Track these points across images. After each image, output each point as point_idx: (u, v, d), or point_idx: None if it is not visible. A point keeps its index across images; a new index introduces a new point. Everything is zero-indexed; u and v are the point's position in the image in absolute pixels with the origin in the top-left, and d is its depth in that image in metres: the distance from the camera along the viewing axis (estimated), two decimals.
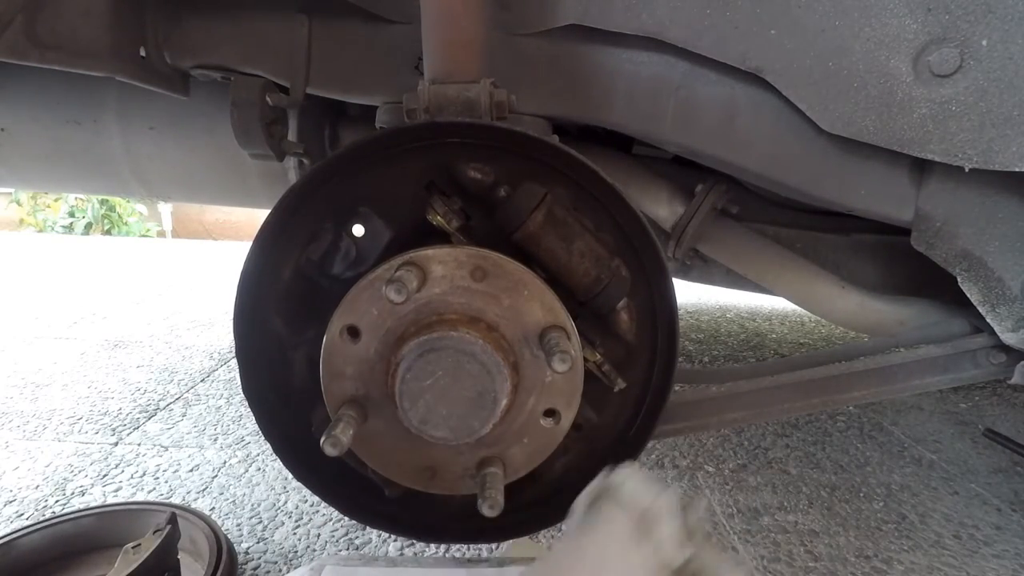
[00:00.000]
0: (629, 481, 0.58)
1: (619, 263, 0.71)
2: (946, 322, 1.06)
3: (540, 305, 0.65)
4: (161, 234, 7.31)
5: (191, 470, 1.50)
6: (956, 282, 0.92)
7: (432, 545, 1.22)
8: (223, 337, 2.55)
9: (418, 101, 0.74)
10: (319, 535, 1.27)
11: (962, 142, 0.80)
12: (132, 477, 1.46)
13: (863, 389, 0.99)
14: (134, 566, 0.91)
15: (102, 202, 6.99)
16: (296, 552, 1.22)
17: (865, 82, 0.81)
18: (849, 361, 1.00)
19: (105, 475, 1.46)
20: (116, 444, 1.61)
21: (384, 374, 0.66)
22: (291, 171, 1.37)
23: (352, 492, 0.80)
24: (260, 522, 1.31)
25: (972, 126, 0.79)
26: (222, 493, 1.41)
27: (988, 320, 0.92)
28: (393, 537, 1.25)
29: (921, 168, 0.88)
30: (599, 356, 0.72)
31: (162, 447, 1.61)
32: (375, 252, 0.70)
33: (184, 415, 1.81)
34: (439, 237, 0.68)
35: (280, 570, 1.17)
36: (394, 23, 0.96)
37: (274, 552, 1.22)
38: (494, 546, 1.21)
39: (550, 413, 0.69)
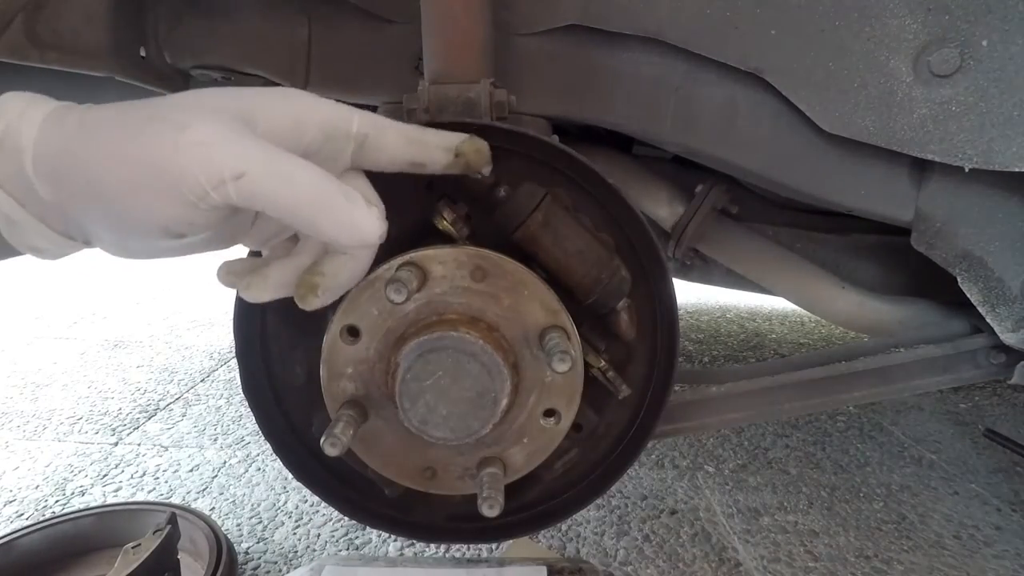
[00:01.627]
0: None
1: (619, 263, 0.70)
2: (946, 322, 1.06)
3: (540, 305, 0.65)
4: None
5: (191, 470, 1.50)
6: (956, 282, 0.92)
7: (432, 545, 1.22)
8: (223, 337, 2.55)
9: (418, 101, 0.74)
10: (319, 535, 1.27)
11: (962, 142, 0.80)
12: (132, 477, 1.46)
13: (863, 389, 0.99)
14: (134, 566, 0.91)
15: None
16: (296, 552, 1.22)
17: (865, 82, 0.81)
18: (849, 361, 1.00)
19: (105, 475, 1.46)
20: (116, 444, 1.61)
21: (384, 374, 0.66)
22: None
23: (352, 492, 0.80)
24: (260, 522, 1.31)
25: (972, 126, 0.79)
26: (222, 493, 1.41)
27: (988, 320, 0.92)
28: (393, 537, 1.25)
29: (921, 168, 0.88)
30: (604, 363, 0.72)
31: (162, 447, 1.61)
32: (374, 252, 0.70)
33: (184, 415, 1.81)
34: (439, 237, 0.68)
35: (280, 570, 1.17)
36: (394, 23, 0.96)
37: (274, 552, 1.22)
38: (494, 546, 1.21)
39: (550, 413, 0.69)
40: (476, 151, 0.57)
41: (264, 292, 0.55)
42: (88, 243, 0.49)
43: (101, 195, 0.44)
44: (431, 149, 0.56)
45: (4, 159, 0.44)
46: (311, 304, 0.54)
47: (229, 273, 0.56)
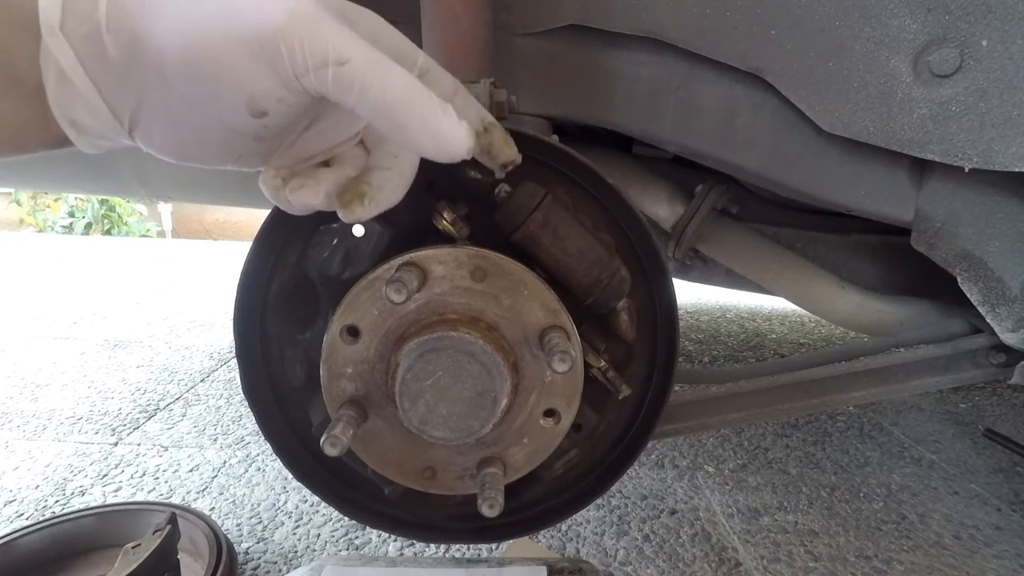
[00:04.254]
0: None
1: (619, 263, 0.71)
2: (946, 322, 1.06)
3: (540, 305, 0.65)
4: (161, 234, 7.31)
5: (191, 470, 1.50)
6: (956, 282, 0.92)
7: (432, 545, 1.22)
8: (223, 337, 2.55)
9: None
10: (319, 535, 1.27)
11: (962, 142, 0.80)
12: (132, 477, 1.46)
13: (863, 389, 0.99)
14: (134, 566, 0.91)
15: (102, 202, 7.00)
16: (296, 552, 1.22)
17: (865, 82, 0.81)
18: (849, 361, 1.00)
19: (105, 475, 1.46)
20: (116, 444, 1.61)
21: (384, 374, 0.66)
22: None
23: (352, 492, 0.80)
24: (260, 522, 1.31)
25: (972, 126, 0.79)
26: (222, 493, 1.41)
27: (988, 320, 0.92)
28: (393, 537, 1.25)
29: (921, 168, 0.88)
30: (604, 363, 0.72)
31: (162, 447, 1.61)
32: (375, 252, 0.70)
33: (184, 415, 1.81)
34: (439, 237, 0.68)
35: (280, 570, 1.17)
36: (394, 23, 0.95)
37: (274, 552, 1.22)
38: (494, 546, 1.21)
39: (550, 413, 0.69)
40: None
41: (317, 195, 0.51)
42: (134, 129, 0.44)
43: (190, 46, 0.40)
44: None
45: (74, 5, 0.39)
46: (356, 213, 0.51)
47: (276, 176, 0.52)
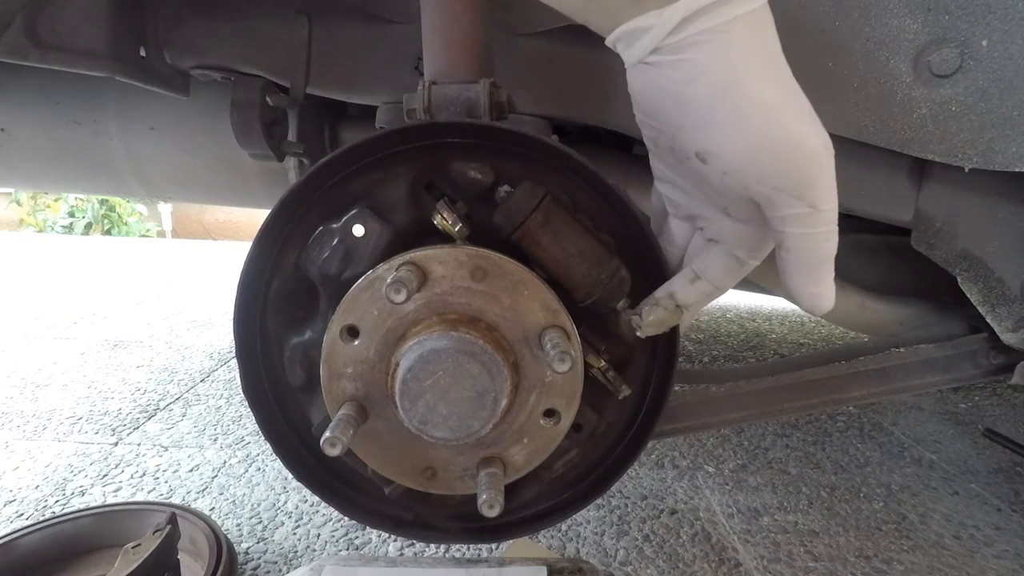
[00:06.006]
0: None
1: (619, 263, 0.70)
2: (945, 322, 1.06)
3: (540, 305, 0.65)
4: (161, 234, 7.31)
5: (191, 470, 1.50)
6: (956, 282, 0.92)
7: (432, 545, 1.22)
8: (223, 337, 2.55)
9: (418, 101, 0.74)
10: (319, 535, 1.27)
11: (962, 142, 0.80)
12: (132, 477, 1.46)
13: (863, 389, 0.99)
14: (134, 566, 0.91)
15: (102, 202, 7.00)
16: (296, 552, 1.22)
17: (865, 82, 0.81)
18: (849, 361, 1.00)
19: (105, 475, 1.46)
20: (116, 444, 1.61)
21: (384, 374, 0.66)
22: (291, 171, 1.37)
23: (352, 492, 0.80)
24: (260, 522, 1.31)
25: (972, 126, 0.79)
26: (222, 493, 1.41)
27: (988, 320, 0.92)
28: (393, 537, 1.25)
29: (921, 168, 0.88)
30: (604, 363, 0.72)
31: (162, 447, 1.61)
32: (375, 252, 0.70)
33: (184, 415, 1.81)
34: (439, 236, 0.68)
35: (280, 570, 1.17)
36: (394, 23, 0.96)
37: (274, 552, 1.22)
38: (494, 546, 1.22)
39: (550, 413, 0.69)
40: None
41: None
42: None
43: (729, 105, 0.50)
44: None
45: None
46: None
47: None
